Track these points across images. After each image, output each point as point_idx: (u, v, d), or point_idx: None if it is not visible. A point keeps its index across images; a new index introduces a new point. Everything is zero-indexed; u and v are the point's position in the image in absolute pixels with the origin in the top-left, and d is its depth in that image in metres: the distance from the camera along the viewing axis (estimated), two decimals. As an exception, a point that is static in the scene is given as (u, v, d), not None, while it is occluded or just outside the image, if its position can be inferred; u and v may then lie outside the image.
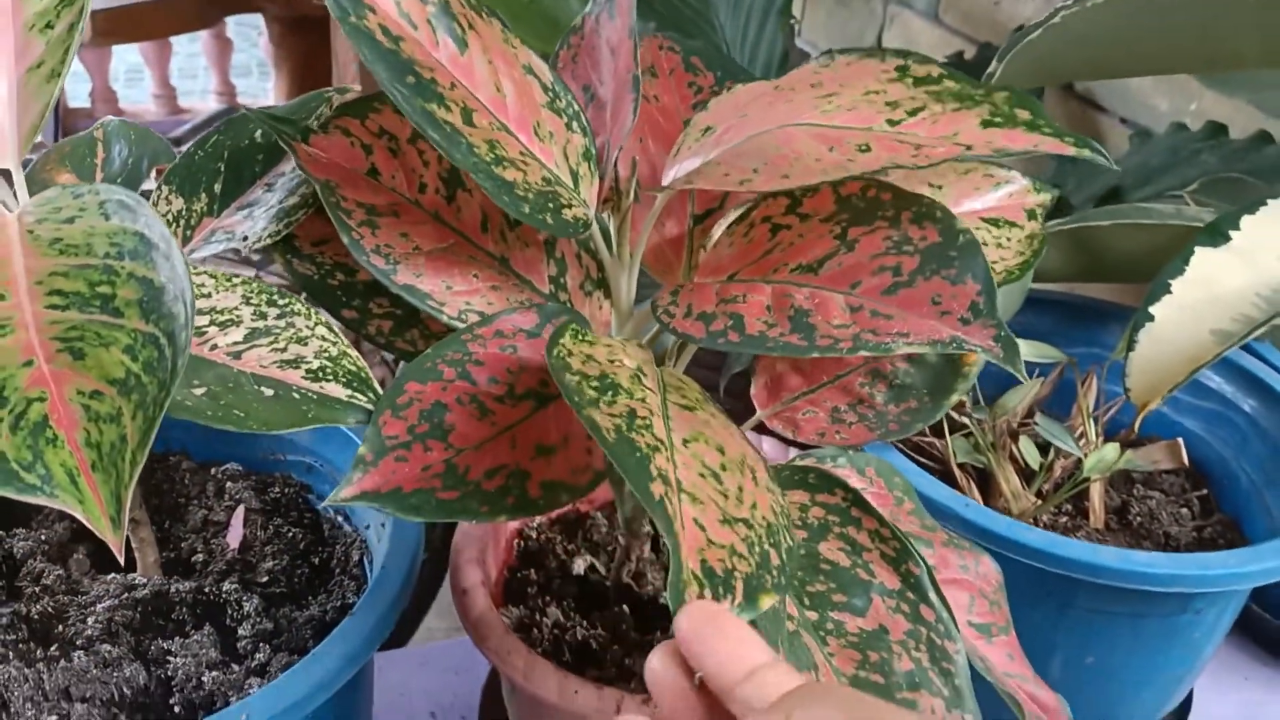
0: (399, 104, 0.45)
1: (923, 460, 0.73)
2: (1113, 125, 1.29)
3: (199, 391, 0.43)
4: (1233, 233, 0.66)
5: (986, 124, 0.50)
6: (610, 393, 0.42)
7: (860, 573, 0.51)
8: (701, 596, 0.37)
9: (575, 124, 0.53)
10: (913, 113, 0.49)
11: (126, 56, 3.56)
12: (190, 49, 3.53)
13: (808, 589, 0.51)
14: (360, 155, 0.52)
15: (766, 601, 0.38)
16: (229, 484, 0.64)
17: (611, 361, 0.46)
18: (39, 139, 0.49)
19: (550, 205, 0.49)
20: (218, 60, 2.87)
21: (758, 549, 0.40)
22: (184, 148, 0.54)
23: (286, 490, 0.65)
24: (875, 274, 0.45)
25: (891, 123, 0.48)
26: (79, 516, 0.35)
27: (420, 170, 0.53)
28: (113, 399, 0.37)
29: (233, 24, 2.83)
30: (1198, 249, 0.67)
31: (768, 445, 0.70)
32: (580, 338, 0.47)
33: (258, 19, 2.60)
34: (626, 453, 0.38)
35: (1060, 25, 0.66)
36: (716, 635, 0.36)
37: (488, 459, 0.46)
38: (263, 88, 3.36)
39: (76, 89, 3.15)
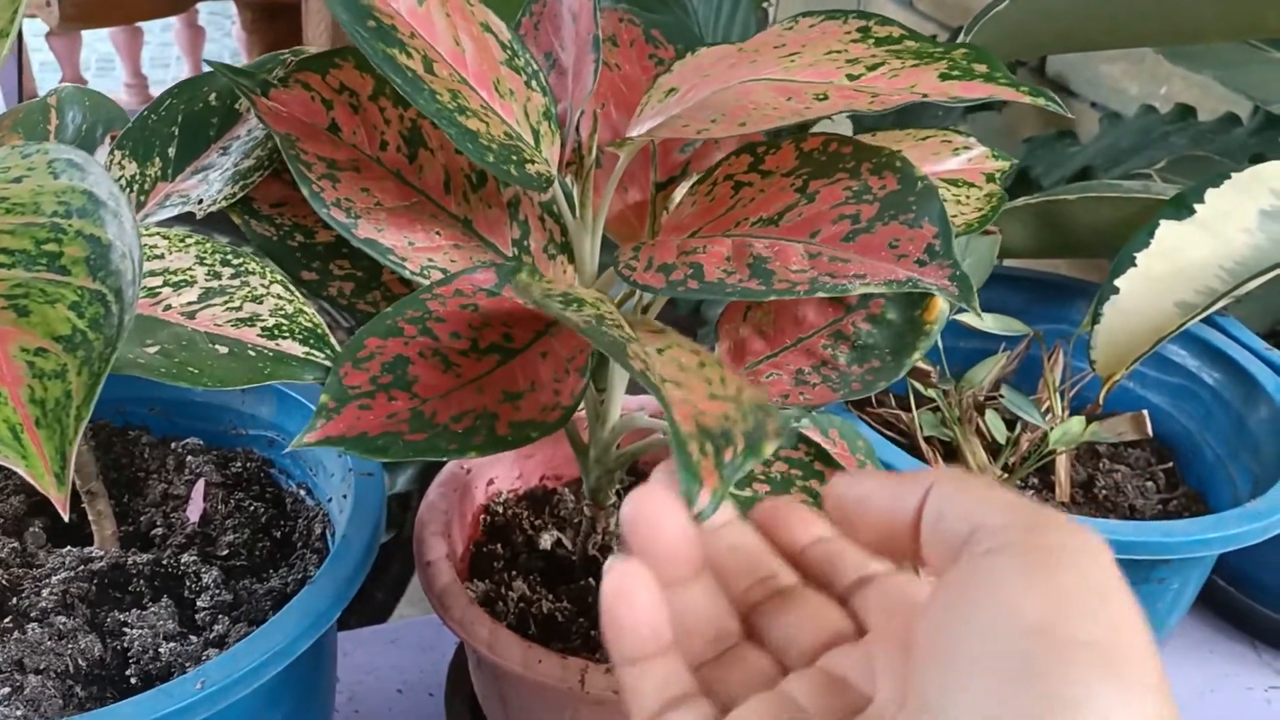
0: (361, 45, 0.45)
1: (889, 434, 0.73)
2: (1084, 109, 1.30)
3: (152, 349, 0.42)
4: (1197, 205, 0.67)
5: (944, 77, 0.50)
6: (576, 304, 0.41)
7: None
8: (703, 453, 0.35)
9: (534, 83, 0.53)
10: (872, 68, 0.49)
11: (98, 46, 3.52)
12: (163, 38, 3.50)
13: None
14: (321, 110, 0.51)
15: (769, 448, 0.36)
16: (189, 458, 0.63)
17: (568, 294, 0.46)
18: None
19: (514, 158, 0.48)
20: (190, 49, 2.85)
21: (751, 417, 0.39)
22: (139, 112, 0.53)
23: (248, 465, 0.64)
24: (835, 223, 0.45)
25: (851, 77, 0.49)
26: (22, 472, 0.35)
27: (381, 127, 0.53)
28: (58, 356, 0.37)
29: (205, 12, 2.81)
30: (1163, 222, 0.67)
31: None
32: (539, 278, 0.47)
33: (229, 6, 2.58)
34: (603, 336, 0.38)
35: (1026, -4, 0.66)
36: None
37: (454, 405, 0.46)
38: (235, 78, 3.33)
39: (47, 78, 3.12)
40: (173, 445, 0.65)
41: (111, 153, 0.52)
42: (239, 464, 0.65)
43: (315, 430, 0.41)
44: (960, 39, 0.71)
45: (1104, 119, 1.17)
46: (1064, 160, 1.16)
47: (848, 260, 0.43)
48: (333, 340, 0.47)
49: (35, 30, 2.54)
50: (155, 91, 3.01)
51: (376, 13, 0.45)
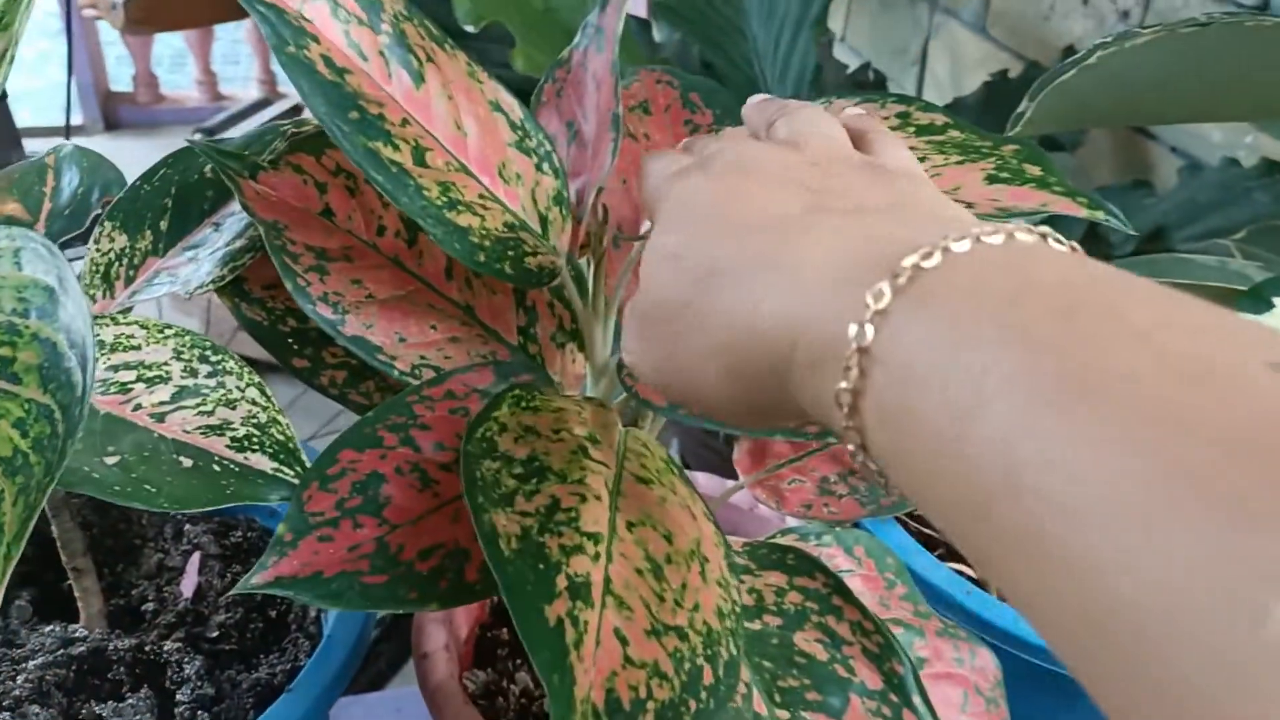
0: (338, 142, 0.41)
1: (924, 530, 0.68)
2: (1163, 154, 1.22)
3: (111, 460, 0.40)
4: (1276, 299, 0.61)
5: (992, 179, 0.46)
6: (535, 479, 0.38)
7: (839, 669, 0.46)
8: None
9: (546, 165, 0.49)
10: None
11: (171, 41, 3.57)
12: (234, 35, 3.53)
13: (779, 683, 0.46)
14: (313, 194, 0.48)
15: None
16: (188, 526, 0.61)
17: (555, 432, 0.42)
18: (79, 120, 0.46)
19: (511, 253, 0.45)
20: (259, 47, 2.87)
21: (688, 664, 0.36)
22: (132, 181, 0.51)
23: (249, 535, 0.62)
24: None
25: None
26: (-60, 617, 0.32)
27: (379, 211, 0.49)
28: (-6, 480, 0.34)
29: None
30: (1238, 315, 0.61)
31: (763, 509, 0.65)
32: (524, 405, 0.43)
33: (298, 9, 2.58)
34: (525, 569, 0.34)
35: (1096, 66, 0.60)
36: None
37: (425, 536, 0.42)
38: (305, 76, 3.34)
39: (120, 73, 3.16)
40: (171, 512, 0.62)
41: (101, 223, 0.50)
42: (239, 534, 0.62)
43: (266, 570, 0.38)
44: (1022, 106, 0.66)
45: (1183, 170, 1.10)
46: (1138, 212, 1.10)
47: None
48: (304, 456, 0.44)
49: (110, 25, 2.56)
50: (225, 89, 3.04)
51: (363, 101, 0.41)
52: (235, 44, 3.59)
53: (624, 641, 0.35)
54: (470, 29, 0.93)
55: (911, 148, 0.46)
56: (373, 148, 0.40)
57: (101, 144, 2.86)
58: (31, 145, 1.41)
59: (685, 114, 0.60)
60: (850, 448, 0.27)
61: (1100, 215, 0.43)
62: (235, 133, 2.44)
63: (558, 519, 0.37)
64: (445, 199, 0.42)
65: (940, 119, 0.47)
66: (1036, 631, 0.21)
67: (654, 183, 0.37)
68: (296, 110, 2.59)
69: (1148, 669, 0.18)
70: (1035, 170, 0.45)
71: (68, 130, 1.35)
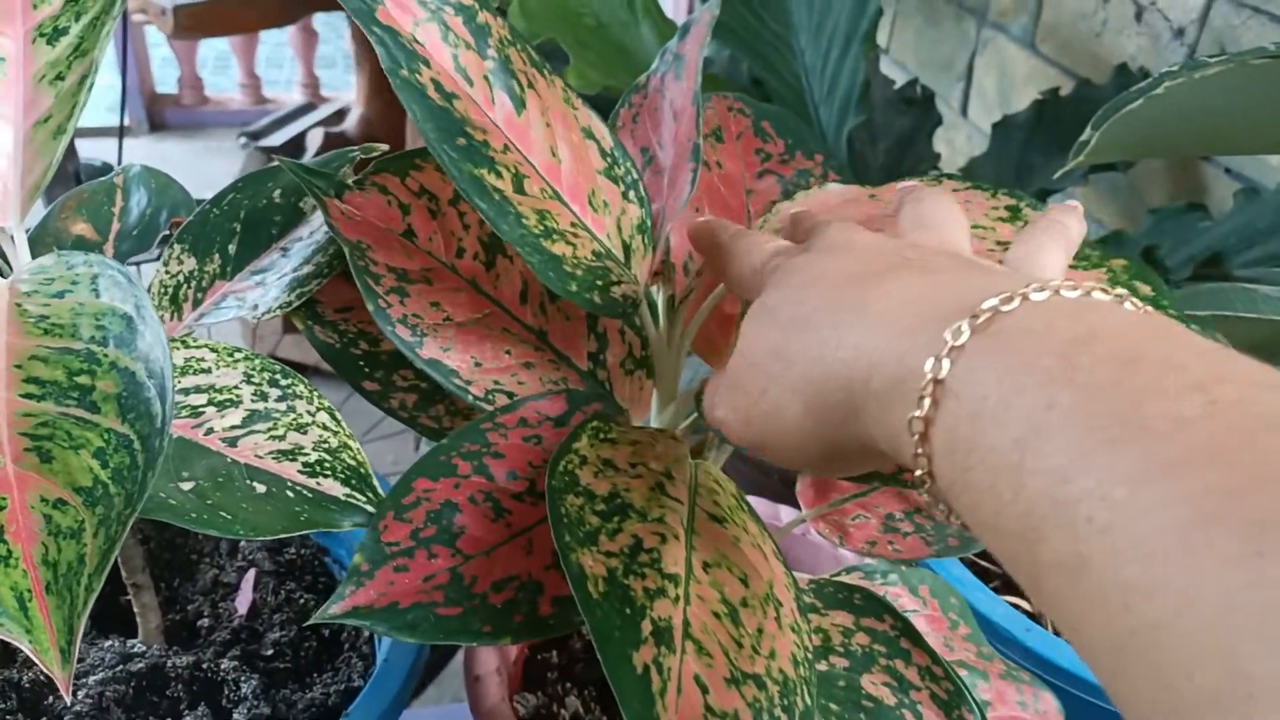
0: (447, 169, 0.41)
1: (979, 562, 0.67)
2: (1217, 175, 1.21)
3: (187, 487, 0.40)
4: (1346, 334, 0.59)
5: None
6: (617, 517, 0.38)
7: (906, 714, 0.46)
8: None
9: (632, 193, 0.49)
10: None
11: (215, 44, 3.61)
12: (278, 39, 3.56)
13: (846, 725, 0.46)
14: (397, 215, 0.48)
15: None
16: (243, 543, 0.61)
17: (633, 465, 0.42)
18: (127, 121, 0.46)
19: (599, 283, 0.44)
20: (303, 52, 2.89)
21: (766, 715, 0.35)
22: (202, 204, 0.51)
23: (303, 552, 0.62)
24: None
25: None
26: (24, 647, 0.32)
27: (460, 234, 0.49)
28: (77, 511, 0.34)
29: (319, 16, 2.84)
30: (1306, 351, 0.60)
31: (815, 534, 0.65)
32: (601, 436, 0.43)
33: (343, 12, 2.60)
34: (612, 612, 0.34)
35: (1163, 96, 0.59)
36: None
37: (499, 568, 0.42)
38: (346, 81, 3.37)
39: (165, 75, 3.20)
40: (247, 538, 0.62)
41: (170, 245, 0.50)
42: (293, 551, 0.62)
43: (344, 599, 0.37)
44: (1086, 134, 0.65)
45: (1239, 194, 1.08)
46: (1193, 236, 1.08)
47: None
48: (375, 482, 0.44)
49: (156, 29, 2.59)
50: (268, 92, 3.07)
51: (469, 128, 0.41)
52: (279, 47, 3.62)
53: (704, 690, 0.35)
54: (526, 45, 0.93)
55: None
56: (478, 175, 0.40)
57: (146, 145, 2.89)
58: (83, 147, 1.42)
59: (757, 142, 0.59)
60: (918, 472, 0.28)
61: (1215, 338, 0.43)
62: (279, 136, 2.46)
63: (641, 560, 0.36)
64: (542, 227, 0.42)
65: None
66: (1078, 655, 0.23)
67: (754, 261, 0.40)
68: (340, 115, 2.61)
69: (1173, 688, 0.19)
70: (1147, 289, 0.44)
71: (121, 132, 1.36)
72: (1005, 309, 0.27)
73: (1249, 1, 1.10)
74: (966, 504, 0.26)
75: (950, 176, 0.47)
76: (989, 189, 0.46)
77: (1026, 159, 1.28)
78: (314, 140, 2.40)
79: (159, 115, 3.02)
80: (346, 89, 3.07)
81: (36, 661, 0.32)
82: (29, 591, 0.33)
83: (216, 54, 3.72)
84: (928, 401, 0.27)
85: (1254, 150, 0.83)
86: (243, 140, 2.60)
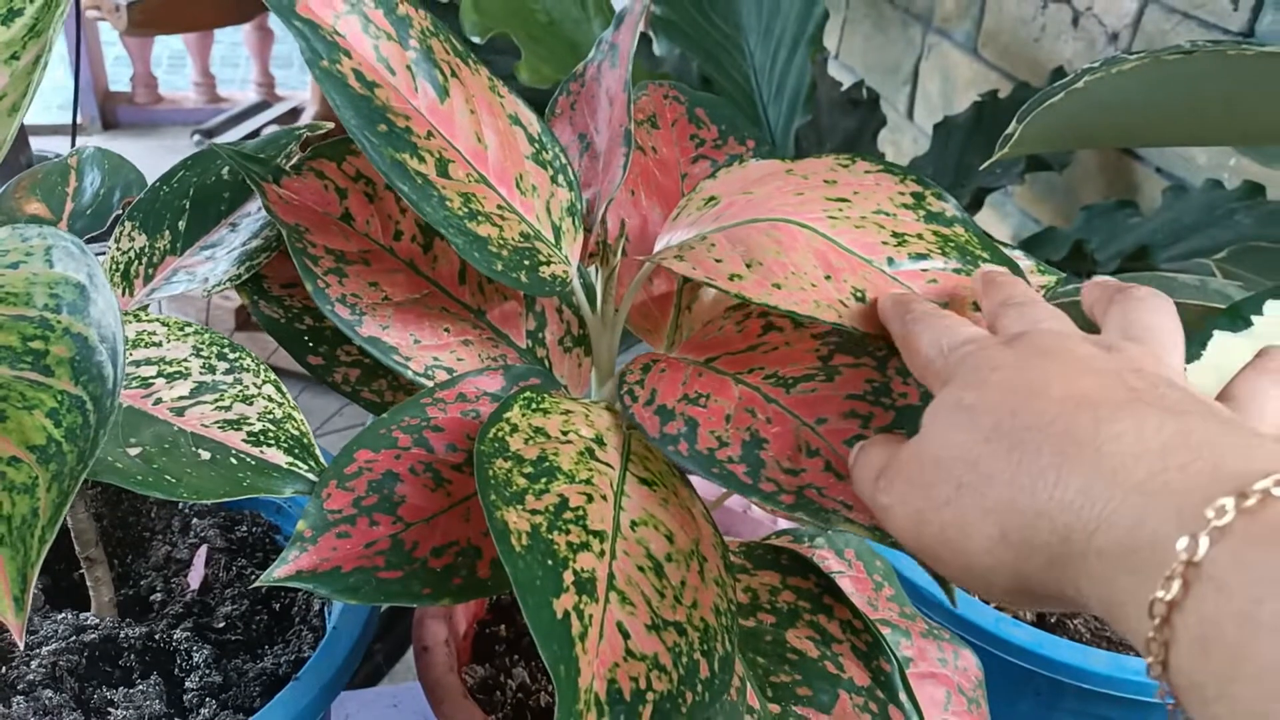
0: (367, 153, 0.43)
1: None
2: (1148, 174, 1.25)
3: (133, 452, 0.41)
4: (1255, 318, 0.63)
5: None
6: (544, 479, 0.40)
7: (829, 665, 0.48)
8: None
9: (561, 177, 0.51)
10: (915, 257, 0.45)
11: (170, 43, 3.58)
12: (233, 38, 3.54)
13: (771, 679, 0.48)
14: (334, 199, 0.50)
15: (686, 715, 0.36)
16: (195, 520, 0.63)
17: (564, 434, 0.44)
18: (80, 120, 0.47)
19: (526, 262, 0.47)
20: (258, 51, 2.89)
21: (685, 659, 0.38)
22: (152, 182, 0.52)
23: (254, 529, 0.63)
24: (844, 418, 0.42)
25: (891, 262, 0.45)
26: (-22, 595, 0.33)
27: (397, 217, 0.51)
28: (30, 467, 0.35)
29: (275, 16, 2.84)
30: (1216, 333, 0.63)
31: (756, 512, 0.67)
32: (534, 407, 0.45)
33: (297, 14, 2.60)
34: (534, 563, 0.36)
35: (1083, 90, 0.63)
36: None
37: (438, 534, 0.44)
38: (301, 80, 3.37)
39: (118, 73, 3.18)
40: (179, 505, 0.64)
41: (121, 223, 0.51)
42: (244, 528, 0.64)
43: (287, 564, 0.39)
44: (1011, 128, 0.68)
45: (1167, 191, 1.12)
46: (1123, 232, 1.12)
47: (842, 477, 0.40)
48: (317, 452, 0.45)
49: (110, 26, 2.58)
50: (223, 91, 3.05)
51: (390, 114, 0.43)
52: (234, 47, 3.60)
53: (626, 635, 0.37)
54: (477, 40, 0.95)
55: (918, 235, 0.46)
56: (399, 159, 0.42)
57: (99, 143, 2.87)
58: (36, 143, 1.42)
59: (691, 129, 0.62)
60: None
61: None
62: (233, 134, 2.45)
63: (565, 517, 0.39)
64: (466, 209, 0.44)
65: (951, 210, 0.47)
66: None
67: (944, 343, 0.37)
68: (294, 114, 2.61)
69: None
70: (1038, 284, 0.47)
71: (74, 129, 1.37)
72: (1277, 491, 0.24)
73: (1179, 7, 1.14)
74: (1217, 713, 0.24)
75: (863, 157, 0.49)
76: (899, 173, 0.48)
77: (965, 159, 1.31)
78: (269, 139, 2.40)
79: (112, 113, 3.00)
80: (302, 88, 3.06)
81: (-10, 609, 0.34)
82: (-17, 543, 0.34)
83: (171, 53, 3.69)
84: (1177, 585, 0.24)
85: (1169, 142, 0.87)
86: (196, 138, 2.60)
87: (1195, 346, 0.64)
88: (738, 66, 1.31)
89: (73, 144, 1.42)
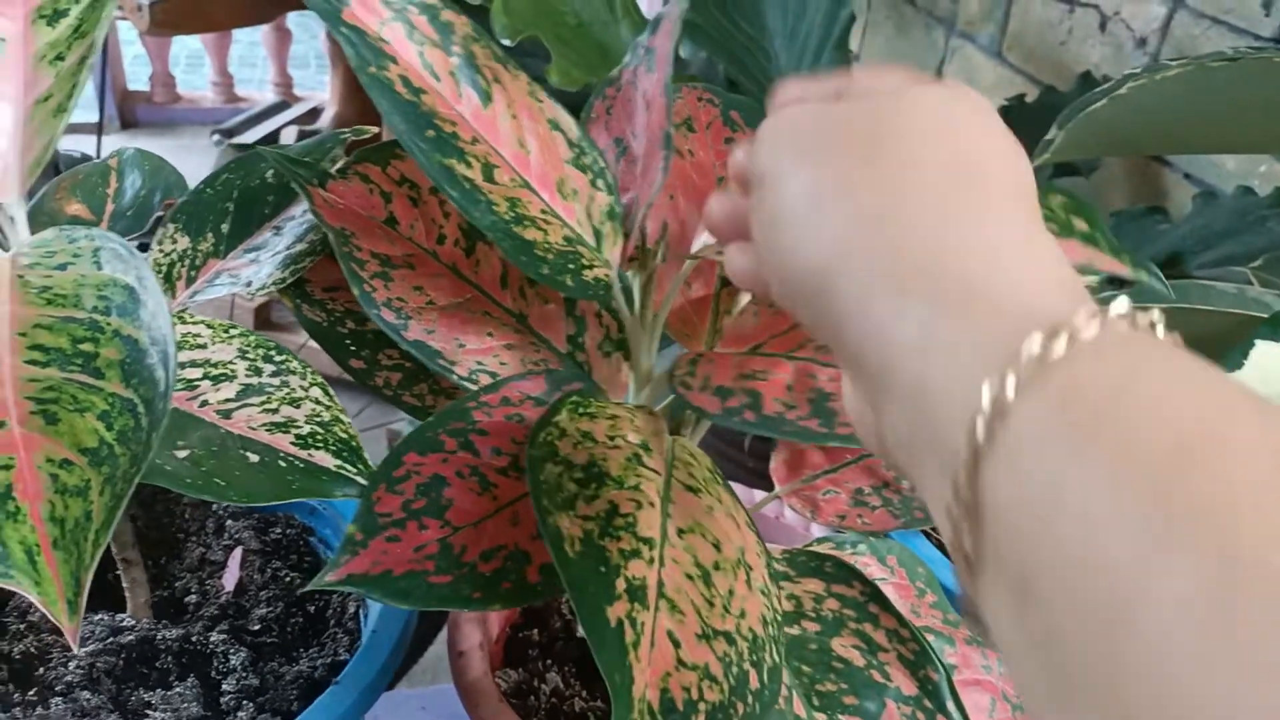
0: (417, 159, 0.43)
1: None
2: (1177, 180, 1.24)
3: (182, 455, 0.41)
4: (1298, 327, 0.62)
5: None
6: (594, 484, 0.39)
7: (875, 674, 0.48)
8: None
9: (600, 181, 0.51)
10: None
11: (188, 42, 3.59)
12: (251, 38, 3.55)
13: (817, 687, 0.48)
14: (379, 203, 0.50)
15: None
16: (229, 521, 0.62)
17: (611, 439, 0.44)
18: (95, 117, 0.47)
19: (571, 266, 0.46)
20: (276, 51, 2.89)
21: (735, 669, 0.37)
22: (195, 184, 0.52)
23: (288, 532, 0.63)
24: None
25: None
26: (33, 599, 0.33)
27: (440, 221, 0.51)
28: (83, 470, 0.35)
29: (293, 15, 2.84)
30: (1259, 342, 0.62)
31: (790, 515, 0.67)
32: (581, 411, 0.44)
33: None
34: (587, 570, 0.36)
35: (1126, 97, 0.62)
36: None
37: (486, 538, 0.44)
38: (319, 80, 3.37)
39: (137, 72, 3.19)
40: (213, 506, 0.64)
41: (165, 224, 0.51)
42: (279, 530, 0.63)
43: (339, 568, 0.39)
44: (1051, 134, 0.67)
45: (1197, 198, 1.12)
46: (1153, 238, 1.12)
47: None
48: (365, 455, 0.45)
49: (129, 26, 2.59)
50: (240, 91, 3.06)
51: (438, 120, 0.43)
52: (252, 46, 3.61)
53: (676, 644, 0.37)
54: (507, 43, 0.95)
55: None
56: (448, 164, 0.42)
57: (118, 141, 2.88)
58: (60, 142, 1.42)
59: (726, 131, 0.61)
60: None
61: (1144, 275, 0.45)
62: (252, 134, 2.45)
63: (616, 524, 0.38)
64: (513, 214, 0.44)
65: None
66: None
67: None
68: (313, 114, 2.61)
69: None
70: (1082, 225, 0.46)
71: (100, 126, 1.37)
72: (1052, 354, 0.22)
73: (1209, 12, 1.13)
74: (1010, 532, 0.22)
75: None
76: None
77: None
78: (288, 138, 2.40)
79: (131, 112, 3.01)
80: (319, 89, 3.07)
81: (45, 613, 0.33)
82: (37, 546, 0.34)
83: (189, 52, 3.70)
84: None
85: (1211, 149, 0.87)
86: (216, 138, 2.60)
87: (1237, 356, 0.64)
88: (763, 70, 1.31)
89: (98, 143, 1.42)
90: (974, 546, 0.23)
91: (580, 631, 0.65)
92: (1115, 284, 0.99)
